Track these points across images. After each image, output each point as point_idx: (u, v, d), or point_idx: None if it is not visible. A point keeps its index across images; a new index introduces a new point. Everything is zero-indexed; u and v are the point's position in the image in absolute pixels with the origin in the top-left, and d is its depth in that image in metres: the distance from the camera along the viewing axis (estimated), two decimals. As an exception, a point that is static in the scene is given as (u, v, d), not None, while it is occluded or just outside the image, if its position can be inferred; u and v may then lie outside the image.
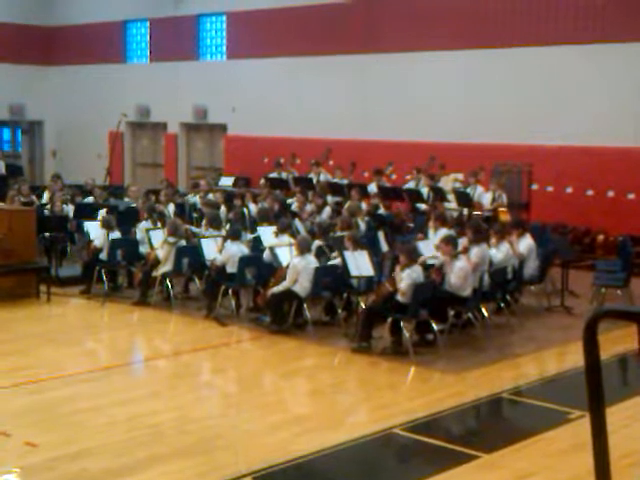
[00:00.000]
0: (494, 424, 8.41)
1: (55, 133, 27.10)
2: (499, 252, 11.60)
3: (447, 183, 16.42)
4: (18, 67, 25.82)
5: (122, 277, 13.50)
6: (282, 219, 12.82)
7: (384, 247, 13.20)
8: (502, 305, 11.66)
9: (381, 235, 13.41)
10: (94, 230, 13.33)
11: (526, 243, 12.21)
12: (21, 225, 12.81)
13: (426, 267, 10.71)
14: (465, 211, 15.18)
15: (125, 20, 25.20)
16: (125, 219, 14.22)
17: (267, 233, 12.52)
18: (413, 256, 10.25)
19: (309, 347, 10.46)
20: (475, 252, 10.78)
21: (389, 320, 10.02)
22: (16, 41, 25.80)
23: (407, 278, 9.90)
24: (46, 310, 12.22)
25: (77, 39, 26.02)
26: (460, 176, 16.63)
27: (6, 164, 22.05)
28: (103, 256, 12.85)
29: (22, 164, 25.65)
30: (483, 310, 10.88)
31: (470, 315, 10.68)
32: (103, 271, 12.84)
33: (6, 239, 12.39)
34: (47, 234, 14.03)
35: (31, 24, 26.23)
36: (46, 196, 16.50)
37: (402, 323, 9.98)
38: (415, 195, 16.09)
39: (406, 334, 10.00)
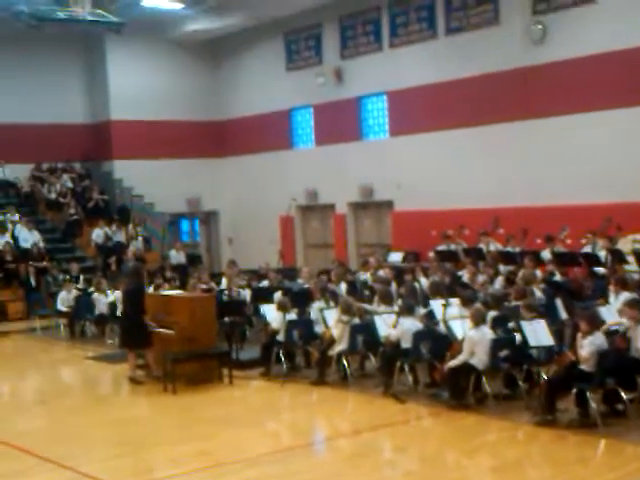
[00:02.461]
0: (698, 499, 7.83)
1: (229, 221, 28.27)
2: (689, 314, 10.92)
3: (626, 244, 15.76)
4: (193, 161, 27.31)
5: (299, 357, 13.70)
6: (467, 292, 12.65)
7: (563, 315, 12.78)
8: (696, 370, 10.92)
9: (559, 302, 13.00)
10: (271, 312, 13.68)
11: None
12: (202, 311, 13.28)
13: (610, 334, 10.25)
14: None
15: (290, 108, 26.17)
16: (299, 300, 14.50)
17: (440, 307, 12.42)
18: (595, 322, 9.86)
19: (490, 422, 10.18)
20: (661, 315, 10.22)
21: (574, 391, 9.64)
22: (190, 137, 27.36)
23: (589, 345, 9.52)
24: (228, 393, 12.54)
25: (246, 130, 27.23)
26: (639, 236, 15.93)
27: (186, 254, 23.17)
28: (280, 337, 13.11)
29: (200, 252, 26.85)
30: (676, 376, 10.23)
31: (661, 382, 10.09)
32: (281, 352, 13.11)
33: (189, 326, 12.89)
34: (226, 319, 14.51)
35: (203, 120, 27.77)
36: (224, 282, 17.12)
37: (588, 393, 9.56)
38: (592, 259, 15.52)
39: (593, 405, 9.57)
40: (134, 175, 26.22)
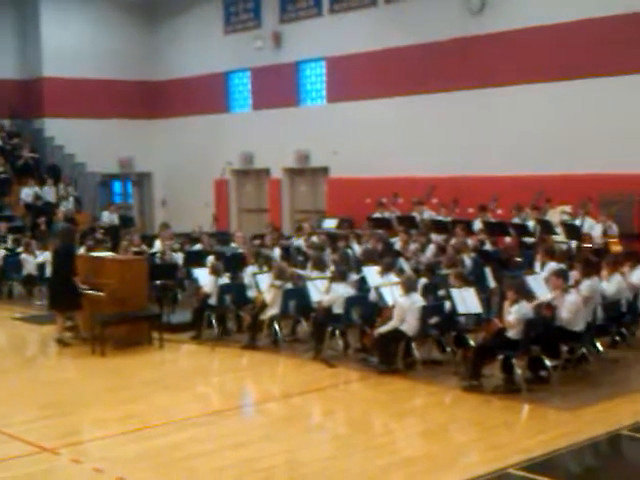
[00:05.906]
0: (613, 462, 8.09)
1: (163, 183, 27.96)
2: (611, 284, 11.24)
3: (554, 216, 16.08)
4: (126, 121, 26.85)
5: (231, 321, 13.69)
6: (386, 258, 12.79)
7: (492, 283, 13.00)
8: (617, 339, 11.27)
9: (488, 271, 13.21)
10: (203, 276, 13.60)
11: (640, 274, 11.80)
12: (133, 274, 13.17)
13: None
14: (574, 244, 14.81)
15: (227, 71, 25.88)
16: (232, 264, 14.47)
17: (372, 273, 12.52)
18: (522, 291, 10.05)
19: (419, 387, 10.33)
20: (586, 285, 10.48)
21: (500, 357, 9.83)
22: (124, 97, 26.89)
23: (515, 313, 9.71)
24: (158, 356, 12.48)
25: (182, 92, 26.87)
26: (568, 208, 16.27)
27: (118, 215, 22.83)
28: (212, 301, 13.08)
29: (133, 215, 26.49)
30: (598, 344, 10.53)
31: (584, 350, 10.37)
32: (213, 316, 13.08)
33: (119, 288, 12.75)
34: (158, 282, 14.39)
35: (137, 79, 27.29)
36: (157, 245, 16.96)
37: (513, 360, 9.77)
38: (522, 229, 15.81)
39: (518, 371, 9.78)
40: (66, 134, 25.68)
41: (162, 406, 9.83)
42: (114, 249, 16.55)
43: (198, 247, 16.87)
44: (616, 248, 14.45)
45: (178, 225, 21.01)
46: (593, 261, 11.41)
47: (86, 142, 25.51)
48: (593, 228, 15.27)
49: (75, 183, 25.13)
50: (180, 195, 27.02)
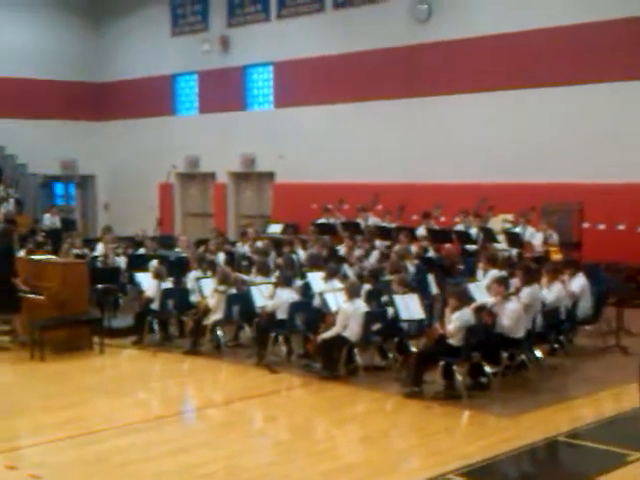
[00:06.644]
0: (551, 468, 8.19)
1: (107, 186, 27.64)
2: (551, 292, 11.42)
3: (496, 224, 16.30)
4: (69, 123, 26.50)
5: (173, 326, 13.57)
6: (331, 264, 12.81)
7: (434, 290, 13.11)
8: (556, 346, 11.45)
9: (431, 278, 13.33)
10: (146, 281, 13.47)
11: (579, 282, 12.02)
12: (74, 277, 12.97)
13: (477, 309, 10.58)
14: (515, 252, 15.02)
15: (174, 74, 25.72)
16: (176, 269, 14.35)
17: (316, 279, 12.53)
18: (463, 298, 10.15)
19: (361, 393, 10.36)
20: (526, 293, 10.63)
21: (441, 364, 9.92)
22: (67, 98, 26.52)
23: (457, 320, 9.81)
24: (99, 361, 12.32)
25: (127, 94, 26.63)
26: (509, 217, 16.50)
27: (60, 218, 22.50)
28: (155, 306, 12.95)
29: (75, 217, 26.14)
30: (537, 352, 10.69)
31: (524, 357, 10.51)
32: (155, 321, 12.96)
33: (60, 292, 12.56)
34: (100, 286, 14.20)
35: (81, 81, 26.96)
36: (100, 248, 16.75)
37: (454, 367, 9.86)
38: (464, 236, 15.98)
39: (459, 378, 9.87)
40: (7, 135, 25.22)
41: (102, 412, 9.72)
42: (55, 252, 16.29)
43: (141, 251, 16.71)
44: (556, 256, 14.69)
45: (122, 229, 20.79)
46: (533, 269, 11.56)
47: (28, 143, 25.11)
48: (534, 236, 15.50)
49: (16, 184, 24.72)
50: (124, 198, 26.75)
